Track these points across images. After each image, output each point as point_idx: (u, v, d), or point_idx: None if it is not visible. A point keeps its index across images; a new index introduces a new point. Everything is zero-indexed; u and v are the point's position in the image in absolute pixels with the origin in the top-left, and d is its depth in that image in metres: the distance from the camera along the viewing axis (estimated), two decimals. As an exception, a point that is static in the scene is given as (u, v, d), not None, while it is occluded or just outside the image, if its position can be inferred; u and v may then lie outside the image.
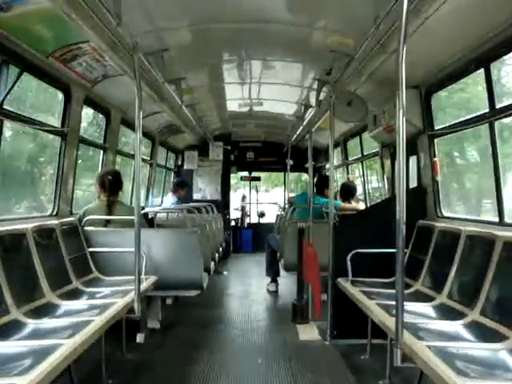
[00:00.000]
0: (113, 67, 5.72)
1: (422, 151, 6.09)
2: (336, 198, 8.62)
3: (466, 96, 5.81)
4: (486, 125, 4.66)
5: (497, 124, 4.54)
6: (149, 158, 10.46)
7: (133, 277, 4.57)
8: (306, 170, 13.56)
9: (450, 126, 5.55)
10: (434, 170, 5.89)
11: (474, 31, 4.29)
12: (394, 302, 3.23)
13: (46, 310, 4.23)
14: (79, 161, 6.51)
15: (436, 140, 5.92)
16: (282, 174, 15.70)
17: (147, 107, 7.43)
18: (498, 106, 4.45)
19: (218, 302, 8.55)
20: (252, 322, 7.24)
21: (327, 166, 11.24)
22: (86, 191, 7.98)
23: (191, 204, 9.94)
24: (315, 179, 9.50)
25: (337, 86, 6.23)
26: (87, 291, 5.07)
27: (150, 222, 7.44)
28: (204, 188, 13.89)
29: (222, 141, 13.74)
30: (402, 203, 3.15)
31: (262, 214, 15.87)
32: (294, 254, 7.00)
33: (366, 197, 9.82)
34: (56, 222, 5.27)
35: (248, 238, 15.16)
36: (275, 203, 15.04)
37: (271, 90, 8.49)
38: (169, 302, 7.63)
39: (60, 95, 5.89)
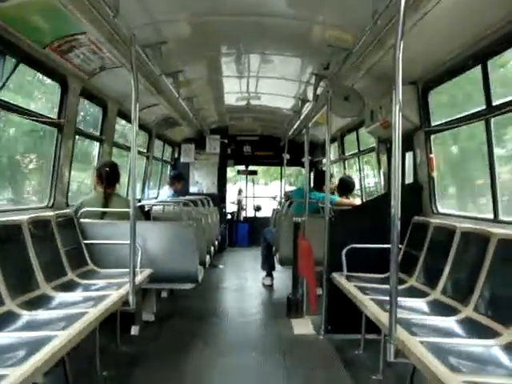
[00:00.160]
0: (110, 59, 5.70)
1: (418, 147, 6.09)
2: (334, 193, 8.60)
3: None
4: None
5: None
6: (145, 151, 10.44)
7: (128, 269, 4.57)
8: (302, 165, 13.55)
9: (446, 122, 5.55)
10: (430, 166, 5.90)
11: (471, 28, 4.29)
12: (388, 298, 3.23)
13: (41, 302, 4.23)
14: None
15: (432, 136, 5.92)
16: (280, 167, 15.68)
17: (144, 99, 7.41)
18: (495, 103, 4.45)
19: (213, 296, 8.56)
20: (247, 315, 7.26)
21: (324, 160, 11.24)
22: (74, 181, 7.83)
23: (187, 197, 9.94)
24: (313, 174, 9.51)
25: (334, 81, 6.23)
26: (82, 283, 5.07)
27: (146, 214, 7.44)
28: (200, 181, 13.90)
29: (219, 134, 13.73)
30: (397, 199, 3.16)
31: (258, 208, 15.87)
32: (290, 249, 7.01)
33: (362, 192, 9.82)
34: (52, 213, 5.26)
35: (244, 232, 15.18)
36: (274, 197, 15.00)
37: (269, 84, 8.48)
38: (164, 294, 7.68)
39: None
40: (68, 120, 5.94)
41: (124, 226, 5.22)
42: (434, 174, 5.90)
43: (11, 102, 4.96)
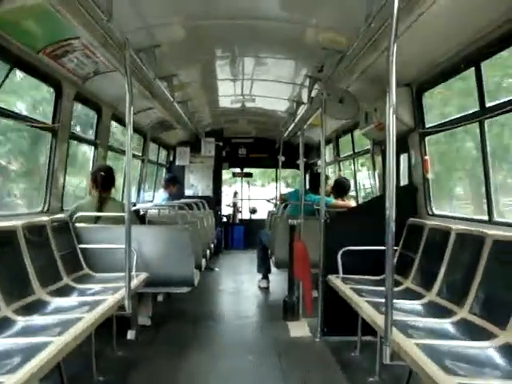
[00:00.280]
0: (104, 63, 5.70)
1: (412, 149, 6.10)
2: (330, 195, 8.60)
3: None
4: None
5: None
6: (140, 154, 10.43)
7: (124, 273, 4.56)
8: (297, 167, 13.56)
9: (440, 124, 5.57)
10: (425, 167, 5.91)
11: (465, 30, 4.30)
12: (383, 300, 3.24)
13: (36, 307, 4.21)
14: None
15: (427, 138, 5.94)
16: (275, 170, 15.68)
17: (139, 103, 7.41)
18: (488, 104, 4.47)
19: (210, 299, 8.55)
20: (243, 318, 7.25)
21: (319, 162, 11.25)
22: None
23: (182, 200, 9.93)
24: (308, 176, 9.50)
25: (328, 84, 6.24)
26: (78, 288, 5.06)
27: (141, 218, 7.44)
28: (196, 184, 13.89)
29: (214, 137, 13.72)
30: (392, 201, 3.16)
31: (253, 211, 15.83)
32: (285, 251, 7.00)
33: (357, 194, 9.82)
34: (46, 218, 5.25)
35: (240, 235, 15.15)
36: (269, 200, 14.98)
37: (263, 87, 8.48)
38: (160, 298, 7.66)
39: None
40: (62, 124, 5.93)
41: (119, 230, 5.20)
42: (429, 176, 5.91)
43: (5, 107, 4.96)
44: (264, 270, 9.41)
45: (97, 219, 6.21)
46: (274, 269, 8.72)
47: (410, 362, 3.08)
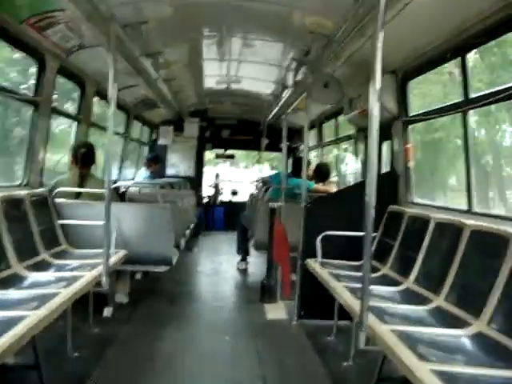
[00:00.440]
0: (89, 38, 5.61)
1: (395, 137, 6.12)
2: (312, 180, 8.60)
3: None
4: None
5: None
6: (123, 132, 10.33)
7: (102, 250, 4.54)
8: (281, 150, 13.55)
9: (424, 113, 5.59)
10: (407, 156, 5.93)
11: (452, 20, 4.30)
12: (360, 285, 3.26)
13: (13, 282, 4.19)
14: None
15: (410, 126, 5.95)
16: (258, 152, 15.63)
17: (123, 80, 7.31)
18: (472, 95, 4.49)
19: (188, 279, 8.55)
20: (220, 299, 7.28)
21: (302, 146, 11.25)
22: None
23: (164, 179, 9.88)
24: (291, 160, 9.49)
25: (314, 68, 6.22)
26: (55, 263, 5.04)
27: (121, 195, 7.39)
28: (178, 164, 13.81)
29: (198, 117, 13.64)
30: (373, 187, 3.17)
31: (234, 193, 15.78)
32: (265, 234, 7.02)
33: (339, 179, 9.84)
34: (25, 192, 5.20)
35: (220, 216, 15.13)
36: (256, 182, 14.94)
37: (249, 69, 8.43)
38: (138, 276, 7.64)
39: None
40: (45, 98, 5.84)
41: (99, 206, 5.16)
42: (411, 164, 5.93)
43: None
44: (243, 251, 9.45)
45: (77, 196, 6.17)
46: (253, 251, 8.75)
47: (384, 347, 3.12)
